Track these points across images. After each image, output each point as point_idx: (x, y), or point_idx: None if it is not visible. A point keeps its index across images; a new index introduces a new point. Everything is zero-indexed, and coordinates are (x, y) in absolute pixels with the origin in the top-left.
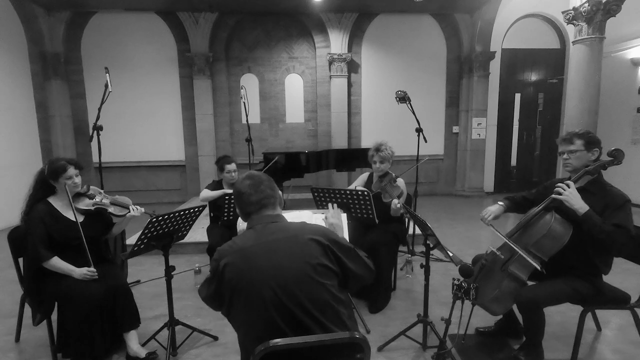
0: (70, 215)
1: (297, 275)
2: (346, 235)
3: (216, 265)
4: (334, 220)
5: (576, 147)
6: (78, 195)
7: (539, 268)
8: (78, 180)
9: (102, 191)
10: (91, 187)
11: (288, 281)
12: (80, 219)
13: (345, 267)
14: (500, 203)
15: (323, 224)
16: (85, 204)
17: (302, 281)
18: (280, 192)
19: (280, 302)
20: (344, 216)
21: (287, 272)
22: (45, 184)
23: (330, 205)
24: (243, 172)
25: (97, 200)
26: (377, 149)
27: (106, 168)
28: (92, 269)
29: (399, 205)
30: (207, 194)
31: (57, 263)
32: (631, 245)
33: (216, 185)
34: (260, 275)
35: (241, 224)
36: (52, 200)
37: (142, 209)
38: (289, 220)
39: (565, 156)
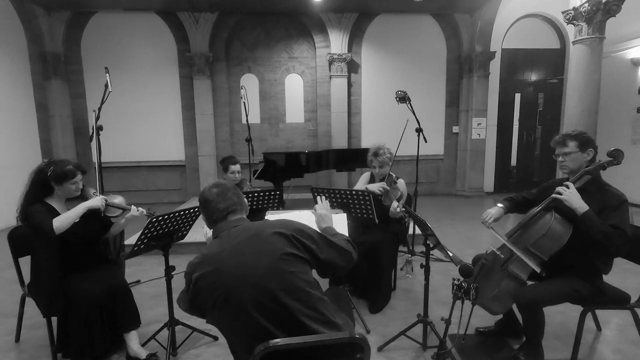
0: None
1: (267, 270)
2: (346, 233)
3: (189, 279)
4: (322, 211)
5: (570, 149)
6: (73, 197)
7: (537, 270)
8: (81, 185)
9: (96, 191)
10: (86, 187)
11: (259, 278)
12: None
13: (314, 254)
14: (500, 205)
15: (314, 217)
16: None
17: (273, 274)
18: (246, 201)
19: (258, 301)
20: (344, 216)
21: (256, 271)
22: (44, 184)
23: (319, 198)
24: (244, 172)
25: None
26: (376, 154)
27: (106, 168)
28: (101, 196)
29: (397, 210)
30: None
31: (61, 217)
32: (628, 247)
33: None
34: (232, 279)
35: (208, 232)
36: (48, 200)
37: (144, 210)
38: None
39: (560, 159)
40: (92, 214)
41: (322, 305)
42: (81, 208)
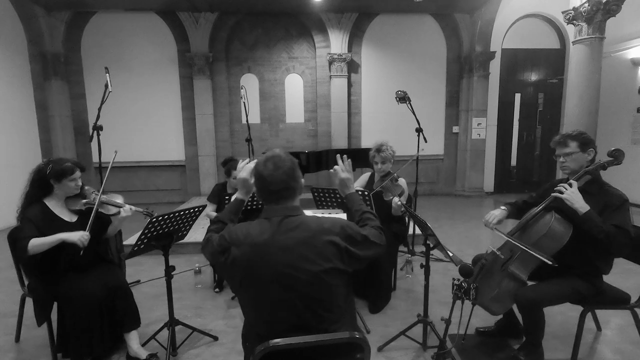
0: (64, 215)
1: (310, 277)
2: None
3: (226, 247)
4: (344, 175)
5: (572, 150)
6: (72, 196)
7: (549, 262)
8: (80, 182)
9: (94, 190)
10: (85, 186)
11: (299, 282)
12: (74, 219)
13: (357, 257)
14: (503, 207)
15: (336, 181)
16: (78, 204)
17: (314, 283)
18: (302, 182)
19: (289, 301)
20: (343, 215)
21: (300, 273)
22: (43, 183)
23: (338, 157)
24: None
25: (88, 200)
26: (378, 150)
27: (106, 168)
28: (86, 232)
29: (399, 204)
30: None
31: (38, 241)
32: (630, 246)
33: (220, 188)
34: (271, 272)
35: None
36: (46, 200)
37: (133, 208)
38: None
39: (561, 159)
40: (89, 212)
41: (344, 319)
42: (56, 238)
